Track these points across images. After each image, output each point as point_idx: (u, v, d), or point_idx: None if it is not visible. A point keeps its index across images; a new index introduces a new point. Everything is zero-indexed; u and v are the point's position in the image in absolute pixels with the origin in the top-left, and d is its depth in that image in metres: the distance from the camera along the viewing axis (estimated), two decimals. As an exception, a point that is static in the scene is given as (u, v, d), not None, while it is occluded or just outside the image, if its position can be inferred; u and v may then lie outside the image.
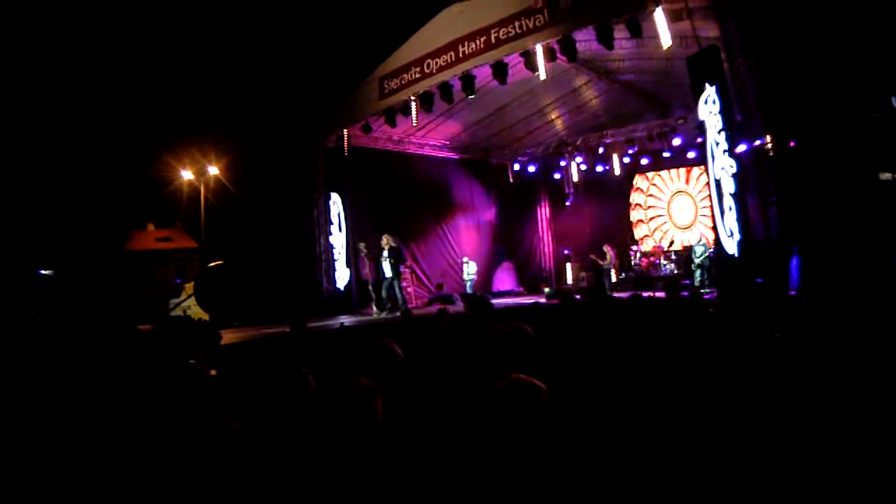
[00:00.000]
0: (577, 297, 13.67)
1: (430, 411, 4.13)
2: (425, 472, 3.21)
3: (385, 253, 19.48)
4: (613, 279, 23.65)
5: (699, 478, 3.43)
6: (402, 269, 22.02)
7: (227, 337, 12.98)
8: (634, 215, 26.19)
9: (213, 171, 22.72)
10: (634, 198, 26.15)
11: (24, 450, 3.91)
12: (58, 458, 3.84)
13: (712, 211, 14.55)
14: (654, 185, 25.53)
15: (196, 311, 18.19)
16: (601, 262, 23.46)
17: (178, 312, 18.25)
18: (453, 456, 3.28)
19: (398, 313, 18.77)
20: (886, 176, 14.27)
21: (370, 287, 20.19)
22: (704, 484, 3.39)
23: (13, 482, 3.57)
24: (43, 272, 21.98)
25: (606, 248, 23.40)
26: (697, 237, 21.68)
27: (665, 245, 24.43)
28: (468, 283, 24.06)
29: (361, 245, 20.14)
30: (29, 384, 5.70)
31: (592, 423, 3.80)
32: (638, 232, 26.05)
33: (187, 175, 23.01)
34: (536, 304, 12.26)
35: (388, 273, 19.51)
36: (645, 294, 13.74)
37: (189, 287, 19.31)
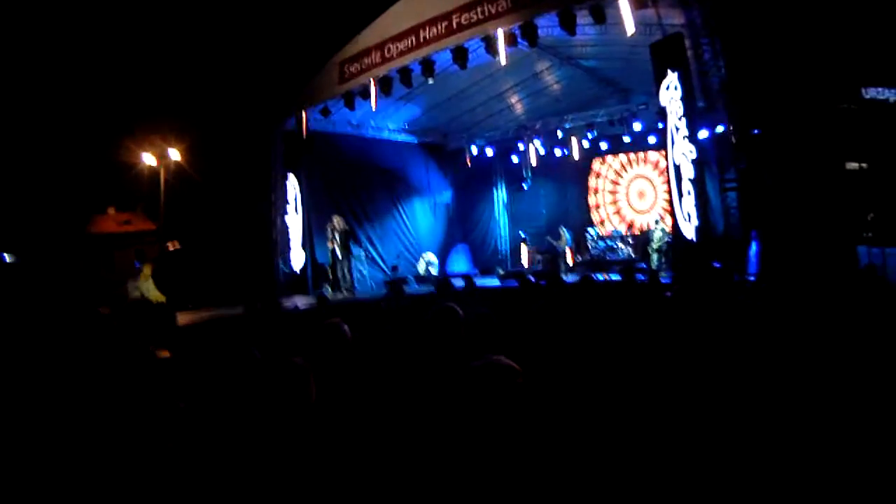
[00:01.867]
0: (532, 279, 13.72)
1: (378, 389, 4.13)
2: (364, 448, 3.22)
3: (336, 235, 19.52)
4: (570, 262, 23.80)
5: (663, 457, 3.45)
6: (356, 250, 22.13)
7: (183, 319, 12.90)
8: (592, 199, 26.26)
9: (174, 154, 22.44)
10: (592, 181, 26.22)
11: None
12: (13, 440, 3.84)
13: (670, 195, 14.64)
14: (613, 168, 25.61)
15: (154, 294, 18.02)
16: (556, 244, 23.59)
17: (136, 295, 18.03)
18: (404, 434, 3.29)
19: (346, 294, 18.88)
20: (853, 165, 14.46)
21: (328, 268, 20.27)
22: (668, 462, 3.41)
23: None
24: (6, 257, 21.66)
25: (562, 230, 23.54)
26: (655, 221, 21.86)
27: (622, 229, 24.57)
28: (428, 268, 24.10)
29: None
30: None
31: (563, 405, 3.80)
32: (595, 215, 26.14)
33: (148, 159, 22.73)
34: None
35: (339, 254, 19.56)
36: (599, 276, 13.84)
37: (147, 269, 19.09)
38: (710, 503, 3.26)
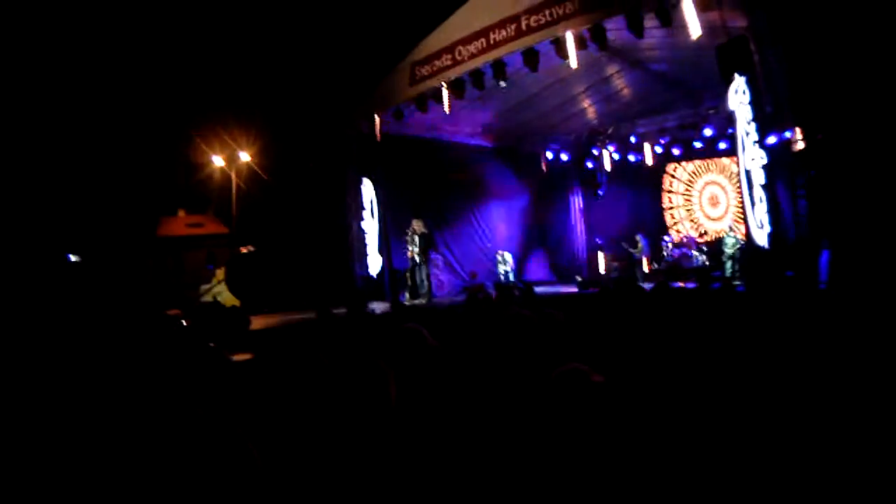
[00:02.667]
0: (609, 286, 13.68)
1: (460, 396, 4.16)
2: (442, 455, 3.25)
3: (416, 239, 19.55)
4: (646, 269, 23.66)
5: (741, 465, 3.44)
6: (433, 256, 22.18)
7: (258, 322, 13.13)
8: (666, 205, 26.05)
9: (245, 156, 22.83)
10: (666, 187, 26.00)
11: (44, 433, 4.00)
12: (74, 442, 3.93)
13: (743, 202, 14.47)
14: (687, 173, 25.37)
15: (227, 297, 18.33)
16: (633, 252, 23.46)
17: (208, 298, 18.38)
18: (478, 442, 3.31)
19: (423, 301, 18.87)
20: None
21: (406, 274, 20.35)
22: (747, 469, 3.40)
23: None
24: (72, 258, 22.20)
25: (638, 238, 23.41)
26: (728, 228, 21.61)
27: (696, 235, 24.33)
28: (507, 275, 24.05)
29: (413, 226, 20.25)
30: (50, 373, 5.81)
31: (643, 414, 3.81)
32: (670, 222, 25.91)
33: (219, 161, 23.14)
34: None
35: (417, 259, 19.60)
36: (676, 284, 13.71)
37: (220, 273, 19.44)
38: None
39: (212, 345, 6.85)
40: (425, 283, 19.70)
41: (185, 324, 10.35)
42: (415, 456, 3.20)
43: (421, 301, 19.10)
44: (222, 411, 3.67)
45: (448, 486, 3.09)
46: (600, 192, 26.34)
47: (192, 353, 4.94)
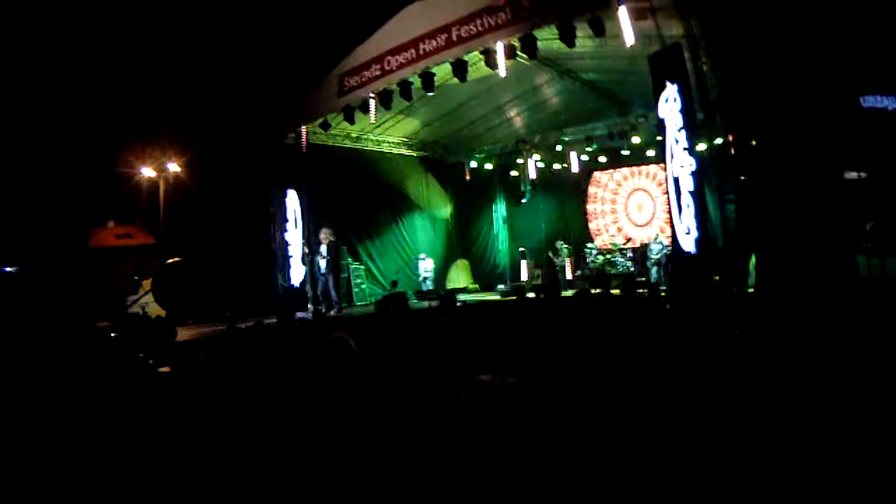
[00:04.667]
0: (531, 294, 13.69)
1: (381, 406, 4.12)
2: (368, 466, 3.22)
3: (322, 249, 19.45)
4: (569, 276, 23.91)
5: (658, 463, 3.46)
6: (356, 265, 22.24)
7: (182, 334, 12.87)
8: (591, 212, 26.35)
9: (173, 167, 22.49)
10: (591, 195, 26.31)
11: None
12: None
13: (670, 208, 14.63)
14: (613, 181, 25.71)
15: (154, 309, 17.98)
16: (555, 260, 23.69)
17: (136, 309, 18.01)
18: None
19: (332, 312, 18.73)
20: (852, 175, 14.47)
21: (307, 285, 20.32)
22: (665, 468, 3.42)
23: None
24: (7, 269, 21.61)
25: (560, 244, 23.72)
26: (654, 235, 21.92)
27: (621, 242, 24.63)
28: (426, 281, 24.07)
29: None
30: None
31: (561, 417, 3.80)
32: (594, 229, 26.22)
33: (147, 171, 22.76)
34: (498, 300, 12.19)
35: (324, 270, 19.49)
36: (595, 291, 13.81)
37: (147, 284, 19.05)
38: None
39: (142, 356, 6.78)
40: (332, 293, 19.56)
41: (113, 336, 10.17)
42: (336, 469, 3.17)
43: (330, 312, 18.93)
44: (147, 421, 3.66)
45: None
46: (524, 201, 26.55)
47: (122, 365, 4.87)
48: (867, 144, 14.45)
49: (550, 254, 24.12)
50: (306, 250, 19.97)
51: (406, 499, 3.02)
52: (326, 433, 3.46)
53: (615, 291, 13.93)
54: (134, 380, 4.47)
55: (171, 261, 19.35)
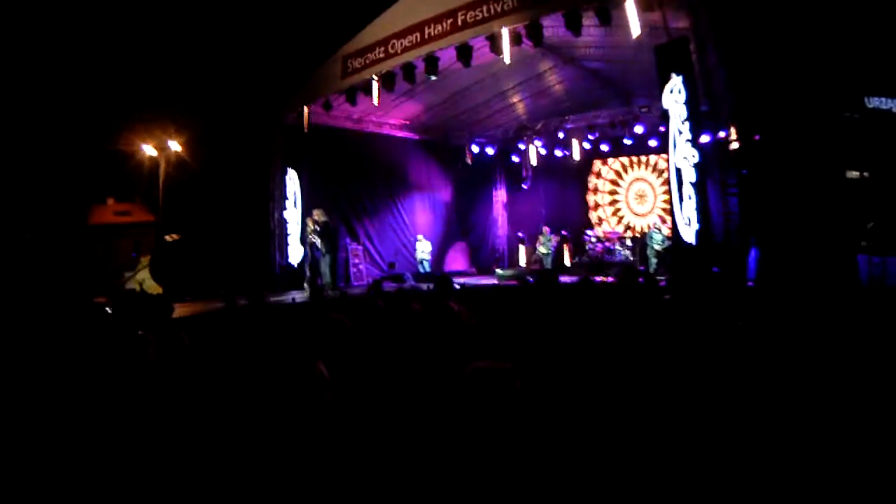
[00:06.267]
0: (530, 279, 13.68)
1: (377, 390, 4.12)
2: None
3: (316, 228, 19.37)
4: (567, 263, 24.06)
5: (657, 457, 3.45)
6: (352, 246, 22.27)
7: (180, 311, 12.85)
8: (591, 200, 26.33)
9: (174, 145, 22.42)
10: (592, 183, 26.29)
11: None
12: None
13: (671, 199, 14.61)
14: (614, 170, 25.67)
15: (152, 285, 17.99)
16: (539, 248, 23.90)
17: (134, 286, 18.00)
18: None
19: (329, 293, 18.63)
20: (854, 174, 14.46)
21: (307, 265, 20.27)
22: (662, 462, 3.41)
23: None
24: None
25: (545, 230, 24.06)
26: (654, 224, 21.93)
27: (620, 231, 24.61)
28: (423, 263, 24.09)
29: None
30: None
31: (560, 407, 3.80)
32: (594, 217, 26.21)
33: (148, 149, 22.70)
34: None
35: (322, 249, 19.40)
36: (597, 279, 13.81)
37: (144, 260, 19.06)
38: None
39: (140, 333, 6.75)
40: (327, 274, 19.49)
41: (109, 311, 10.18)
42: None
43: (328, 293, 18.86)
44: (143, 399, 3.63)
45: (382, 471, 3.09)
46: (524, 186, 26.49)
47: (119, 341, 4.84)
48: (870, 144, 14.44)
49: (537, 245, 24.24)
50: (309, 228, 19.78)
51: (405, 482, 3.01)
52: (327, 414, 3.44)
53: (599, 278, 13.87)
54: (147, 351, 4.45)
55: (168, 238, 19.38)
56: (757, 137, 13.30)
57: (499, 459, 2.76)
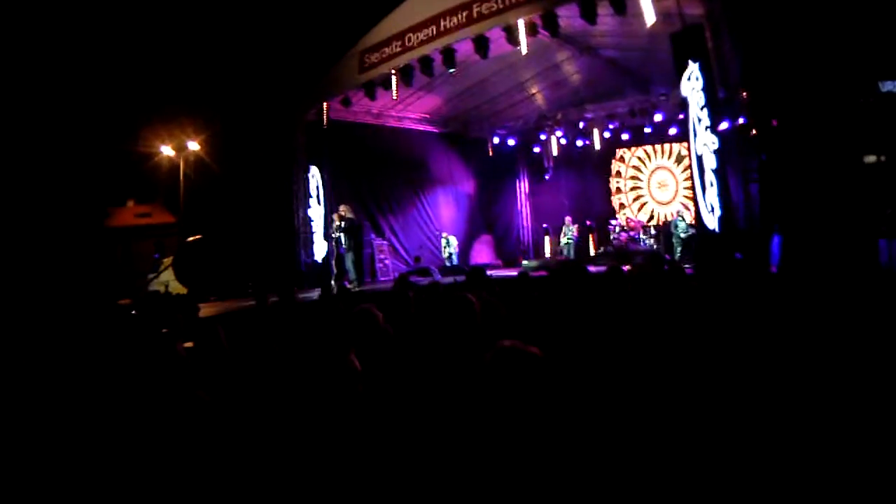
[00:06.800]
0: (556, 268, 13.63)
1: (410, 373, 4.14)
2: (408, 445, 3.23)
3: (341, 225, 19.50)
4: (591, 252, 23.97)
5: (693, 450, 3.45)
6: (377, 241, 22.27)
7: (205, 310, 12.95)
8: (614, 189, 26.25)
9: (193, 145, 22.56)
10: (614, 172, 26.21)
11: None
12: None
13: (693, 186, 14.55)
14: (637, 158, 25.57)
15: (176, 286, 18.13)
16: (561, 240, 24.03)
17: (158, 287, 18.15)
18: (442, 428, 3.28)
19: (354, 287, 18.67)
20: (871, 159, 14.34)
21: (332, 261, 20.33)
22: (697, 455, 3.41)
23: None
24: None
25: (567, 221, 24.05)
26: (677, 212, 21.85)
27: (644, 219, 24.52)
28: (451, 257, 24.12)
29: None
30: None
31: (585, 390, 3.81)
32: (617, 206, 26.12)
33: (167, 150, 22.84)
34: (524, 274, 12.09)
35: (345, 245, 19.49)
36: (625, 268, 13.76)
37: (167, 262, 19.22)
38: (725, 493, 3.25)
39: (165, 331, 6.82)
40: (352, 270, 19.55)
41: (134, 313, 10.28)
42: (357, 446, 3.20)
43: (354, 287, 18.90)
44: (171, 399, 3.64)
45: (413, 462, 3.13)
46: (546, 177, 26.46)
47: (144, 342, 4.87)
48: (886, 128, 14.31)
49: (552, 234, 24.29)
50: (335, 224, 19.87)
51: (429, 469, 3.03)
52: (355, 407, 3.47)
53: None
54: (176, 348, 4.48)
55: (191, 239, 19.52)
56: (774, 123, 13.20)
57: (520, 441, 2.78)
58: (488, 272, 19.13)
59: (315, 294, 16.41)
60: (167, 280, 18.43)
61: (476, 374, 2.99)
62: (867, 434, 3.59)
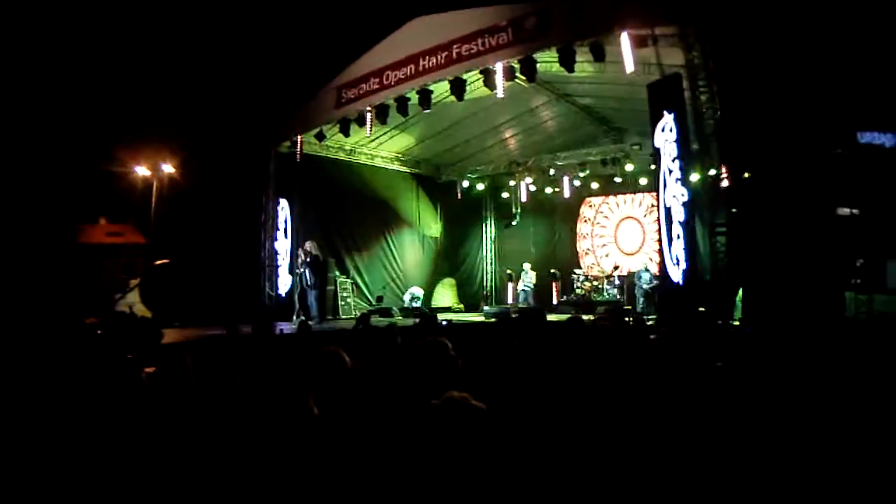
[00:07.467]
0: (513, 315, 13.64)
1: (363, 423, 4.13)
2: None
3: (307, 260, 19.55)
4: (554, 301, 23.98)
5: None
6: (343, 279, 22.39)
7: (169, 336, 12.80)
8: (580, 238, 26.33)
9: (168, 168, 22.46)
10: (581, 221, 26.30)
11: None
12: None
13: (660, 238, 14.62)
14: (605, 206, 25.70)
15: (141, 308, 17.93)
16: (519, 283, 23.99)
17: (123, 308, 17.93)
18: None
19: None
20: (844, 211, 14.53)
21: (295, 296, 20.31)
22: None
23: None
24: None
25: (525, 267, 24.29)
26: (643, 264, 21.97)
27: (609, 269, 24.60)
28: (415, 300, 24.12)
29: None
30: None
31: (533, 443, 3.79)
32: (582, 255, 26.21)
33: (142, 171, 22.72)
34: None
35: (310, 282, 19.44)
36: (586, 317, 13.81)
37: (134, 283, 19.02)
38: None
39: (129, 356, 6.72)
40: (314, 306, 19.48)
41: (99, 332, 10.13)
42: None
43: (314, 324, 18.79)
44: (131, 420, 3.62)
45: None
46: (514, 223, 26.55)
47: (108, 365, 4.81)
48: (861, 181, 14.52)
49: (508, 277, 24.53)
50: (300, 259, 19.85)
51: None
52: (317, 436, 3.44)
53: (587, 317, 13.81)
54: (139, 374, 4.43)
55: (158, 262, 19.34)
56: (746, 175, 13.35)
57: (463, 489, 2.76)
58: (449, 316, 19.23)
59: (286, 327, 16.32)
60: (133, 301, 18.22)
61: (422, 422, 2.98)
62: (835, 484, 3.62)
